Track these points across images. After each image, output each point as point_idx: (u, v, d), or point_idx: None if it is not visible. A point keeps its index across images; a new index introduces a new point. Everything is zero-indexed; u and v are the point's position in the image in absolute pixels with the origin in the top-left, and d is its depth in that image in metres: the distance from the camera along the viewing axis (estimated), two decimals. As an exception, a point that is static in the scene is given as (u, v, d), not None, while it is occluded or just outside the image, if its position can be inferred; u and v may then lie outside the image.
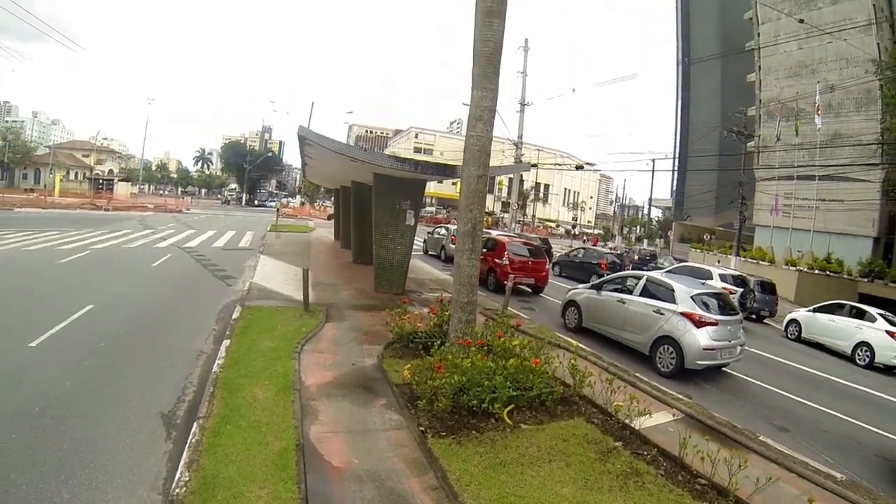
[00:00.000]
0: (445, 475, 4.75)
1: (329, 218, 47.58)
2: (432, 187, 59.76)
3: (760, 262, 31.59)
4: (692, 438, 5.36)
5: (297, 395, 6.20)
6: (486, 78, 7.21)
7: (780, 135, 33.53)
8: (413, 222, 13.70)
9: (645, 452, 5.57)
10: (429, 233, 28.26)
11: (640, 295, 10.41)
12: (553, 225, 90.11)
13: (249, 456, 4.81)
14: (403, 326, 8.27)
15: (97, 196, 54.27)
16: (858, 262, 28.67)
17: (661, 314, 9.73)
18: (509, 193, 44.40)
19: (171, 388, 6.63)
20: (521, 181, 45.89)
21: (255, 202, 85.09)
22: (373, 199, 13.57)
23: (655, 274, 11.23)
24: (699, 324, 9.22)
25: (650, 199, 52.68)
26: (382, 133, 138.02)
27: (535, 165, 36.43)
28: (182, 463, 4.64)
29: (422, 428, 5.57)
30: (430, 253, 26.27)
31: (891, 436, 8.43)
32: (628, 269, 24.98)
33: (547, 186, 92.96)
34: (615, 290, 11.19)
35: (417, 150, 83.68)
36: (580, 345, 9.25)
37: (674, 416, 6.95)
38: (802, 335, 16.87)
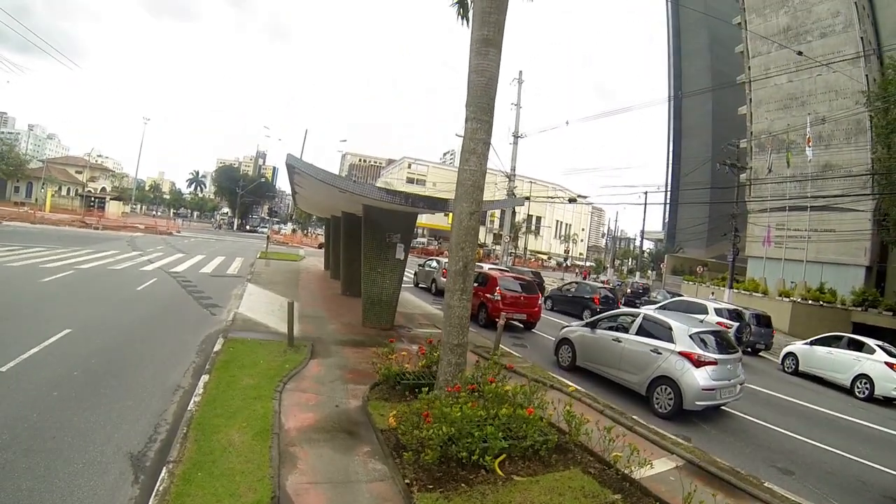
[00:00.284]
0: (432, 536, 4.37)
1: (320, 247, 47.20)
2: (424, 218, 59.62)
3: (753, 294, 31.56)
4: (695, 489, 5.04)
5: (275, 440, 5.82)
6: (480, 109, 7.00)
7: (772, 166, 33.85)
8: (403, 256, 13.36)
9: (646, 507, 5.21)
10: (420, 265, 27.89)
11: (637, 333, 10.11)
12: (545, 257, 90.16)
13: (219, 510, 4.43)
14: (390, 367, 7.89)
15: (88, 214, 53.88)
16: (852, 292, 28.73)
17: (659, 353, 9.43)
18: (501, 225, 44.34)
19: (143, 425, 6.24)
20: (514, 213, 45.86)
21: (247, 227, 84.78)
22: (362, 232, 13.26)
23: (652, 311, 10.94)
24: (698, 363, 8.93)
25: (642, 232, 52.70)
26: (376, 162, 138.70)
27: (528, 199, 36.38)
28: (147, 512, 4.25)
29: (407, 480, 5.17)
30: (420, 286, 25.90)
31: (896, 474, 8.15)
32: (620, 304, 24.79)
33: (539, 219, 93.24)
34: (610, 328, 10.90)
35: (410, 181, 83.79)
36: (576, 387, 8.94)
37: (675, 463, 6.64)
38: (800, 368, 16.64)
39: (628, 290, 35.91)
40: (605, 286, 26.63)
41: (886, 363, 14.14)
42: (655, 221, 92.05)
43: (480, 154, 7.02)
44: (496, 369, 7.28)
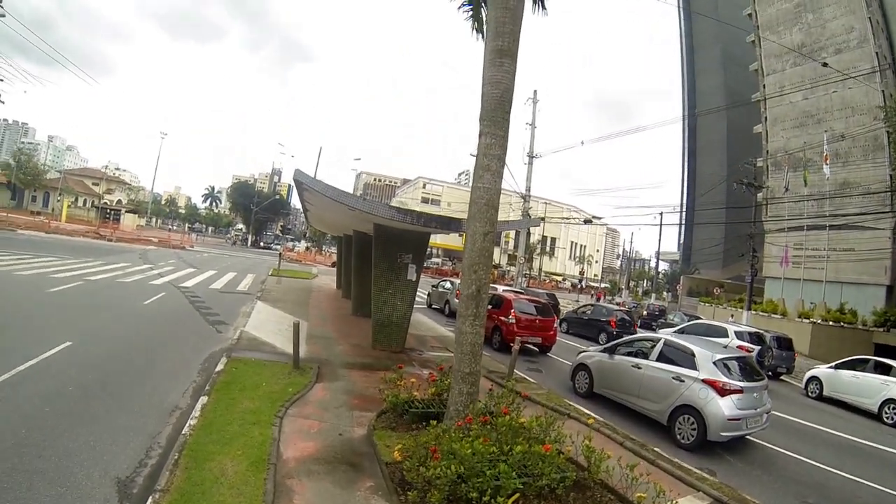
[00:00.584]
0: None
1: (333, 265, 47.02)
2: (439, 238, 59.54)
3: (772, 315, 30.81)
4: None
5: (271, 471, 5.44)
6: (494, 123, 6.66)
7: (789, 185, 33.26)
8: (415, 277, 12.97)
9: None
10: (433, 286, 27.47)
11: (657, 360, 9.62)
12: (559, 279, 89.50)
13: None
14: (398, 395, 7.45)
15: (103, 225, 54.38)
16: (873, 312, 28.05)
17: (681, 381, 8.94)
18: (516, 246, 44.00)
19: (135, 447, 5.88)
20: (528, 234, 45.61)
21: (261, 244, 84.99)
22: (373, 251, 12.90)
23: (673, 337, 10.44)
24: (723, 392, 8.43)
25: (658, 253, 52.06)
26: (391, 182, 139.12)
27: (543, 219, 36.10)
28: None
29: (411, 523, 4.77)
30: (433, 307, 25.52)
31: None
32: (637, 327, 24.22)
33: (554, 240, 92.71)
34: (629, 354, 10.41)
35: (425, 201, 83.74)
36: (595, 417, 8.48)
37: (701, 501, 6.20)
38: (824, 393, 16.00)
39: (644, 313, 35.29)
40: (622, 308, 26.06)
41: (916, 387, 13.54)
42: (671, 242, 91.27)
43: (495, 171, 6.66)
44: (510, 398, 6.85)
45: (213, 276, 25.63)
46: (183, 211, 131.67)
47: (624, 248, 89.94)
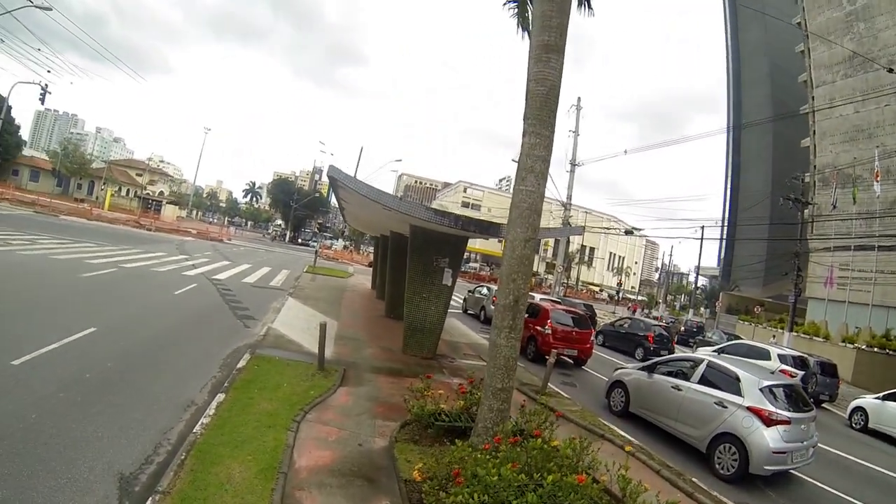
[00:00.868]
0: None
1: (370, 265, 47.14)
2: (477, 243, 59.08)
3: (814, 338, 29.42)
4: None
5: (280, 480, 5.13)
6: (540, 122, 6.24)
7: (837, 202, 31.71)
8: (451, 282, 12.58)
9: None
10: (470, 291, 27.05)
11: (699, 382, 9.00)
12: (596, 289, 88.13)
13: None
14: (424, 405, 7.05)
15: (144, 215, 55.66)
16: (923, 340, 26.29)
17: (724, 407, 8.32)
18: (554, 255, 43.45)
19: (143, 443, 5.67)
20: (568, 243, 44.94)
21: (299, 240, 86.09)
22: (408, 253, 12.56)
23: (717, 359, 9.78)
24: (769, 422, 7.79)
25: (698, 267, 50.54)
26: (432, 185, 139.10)
27: (584, 228, 35.70)
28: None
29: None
30: (469, 312, 25.14)
31: None
32: (674, 343, 23.42)
33: (592, 249, 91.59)
34: (669, 374, 9.80)
35: (465, 205, 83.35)
36: (631, 441, 7.95)
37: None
38: (869, 425, 15.02)
39: (681, 328, 34.25)
40: (660, 323, 25.26)
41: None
42: (711, 257, 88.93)
43: (539, 173, 6.24)
44: (543, 415, 6.40)
45: (247, 270, 25.75)
46: (223, 204, 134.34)
47: (662, 262, 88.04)
